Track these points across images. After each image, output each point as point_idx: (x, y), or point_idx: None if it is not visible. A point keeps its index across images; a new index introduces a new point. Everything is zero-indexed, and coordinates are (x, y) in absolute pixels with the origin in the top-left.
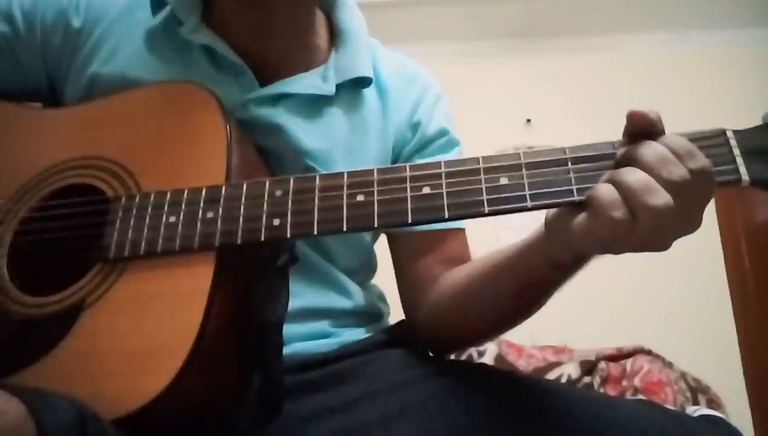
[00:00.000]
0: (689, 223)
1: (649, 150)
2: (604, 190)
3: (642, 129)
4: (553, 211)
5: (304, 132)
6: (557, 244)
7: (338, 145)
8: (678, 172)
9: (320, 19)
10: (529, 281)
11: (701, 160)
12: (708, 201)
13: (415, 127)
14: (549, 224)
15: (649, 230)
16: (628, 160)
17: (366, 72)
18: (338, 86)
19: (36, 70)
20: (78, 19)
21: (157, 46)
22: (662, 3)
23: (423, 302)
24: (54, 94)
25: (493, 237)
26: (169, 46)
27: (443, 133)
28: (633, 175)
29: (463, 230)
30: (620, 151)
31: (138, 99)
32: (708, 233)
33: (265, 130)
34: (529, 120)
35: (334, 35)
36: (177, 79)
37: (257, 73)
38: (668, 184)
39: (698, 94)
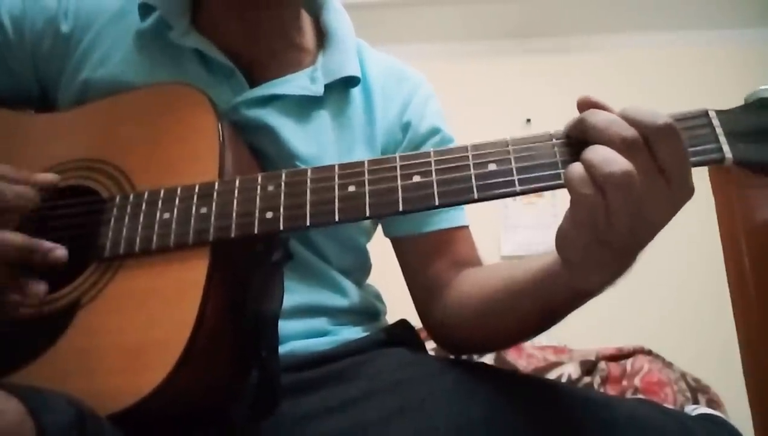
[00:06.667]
0: (672, 185)
1: (599, 115)
2: (573, 169)
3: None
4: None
5: (294, 135)
6: (574, 273)
7: (327, 148)
8: (627, 130)
9: (307, 21)
10: (553, 304)
11: (661, 118)
12: (685, 160)
13: (405, 127)
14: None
15: (622, 204)
16: (581, 128)
17: (353, 71)
18: (326, 87)
19: (26, 75)
20: (67, 25)
21: (148, 51)
22: (662, 3)
23: (437, 308)
24: (46, 100)
25: (494, 237)
26: (159, 51)
27: (436, 131)
28: (594, 150)
29: (466, 226)
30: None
31: (130, 101)
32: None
33: (255, 132)
34: (529, 120)
35: (322, 37)
36: (169, 81)
37: (247, 75)
38: (623, 146)
39: (698, 94)
